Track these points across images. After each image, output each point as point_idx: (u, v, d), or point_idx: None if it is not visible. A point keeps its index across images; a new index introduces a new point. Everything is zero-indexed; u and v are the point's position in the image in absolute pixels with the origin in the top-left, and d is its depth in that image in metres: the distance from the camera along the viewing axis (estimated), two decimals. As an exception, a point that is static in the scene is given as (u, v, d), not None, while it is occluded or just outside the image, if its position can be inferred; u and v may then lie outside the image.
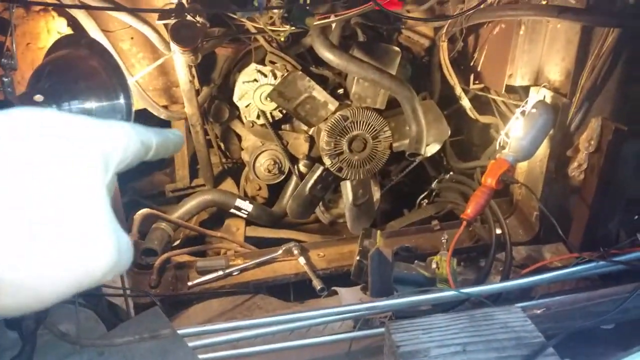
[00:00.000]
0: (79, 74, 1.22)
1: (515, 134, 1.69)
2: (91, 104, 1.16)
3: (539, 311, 1.28)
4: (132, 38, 1.80)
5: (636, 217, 1.57)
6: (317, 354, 1.39)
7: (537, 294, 1.46)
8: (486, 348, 1.11)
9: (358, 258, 1.59)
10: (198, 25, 1.56)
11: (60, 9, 1.55)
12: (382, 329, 1.37)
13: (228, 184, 2.07)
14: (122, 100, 1.13)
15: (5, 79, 1.11)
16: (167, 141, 0.48)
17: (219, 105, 1.99)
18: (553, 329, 1.17)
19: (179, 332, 1.15)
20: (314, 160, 1.92)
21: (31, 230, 0.34)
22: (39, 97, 1.14)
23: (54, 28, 1.52)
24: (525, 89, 1.84)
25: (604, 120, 1.60)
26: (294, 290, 1.77)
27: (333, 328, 1.46)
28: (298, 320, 1.35)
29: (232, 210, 1.94)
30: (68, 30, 1.56)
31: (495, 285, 1.39)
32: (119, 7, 1.58)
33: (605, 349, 0.95)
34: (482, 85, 2.00)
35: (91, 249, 0.37)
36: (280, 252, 1.79)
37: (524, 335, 1.15)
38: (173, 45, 1.59)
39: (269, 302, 1.68)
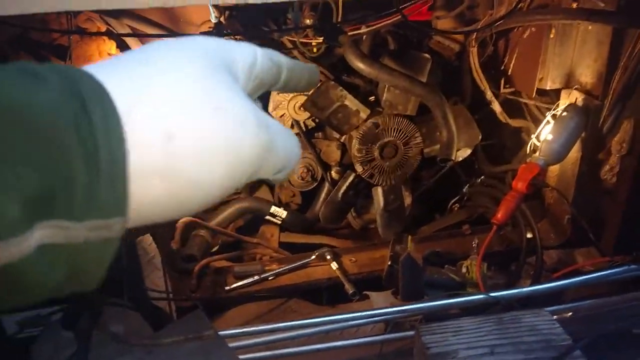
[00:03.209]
0: None
1: (547, 137, 1.69)
2: None
3: (568, 315, 1.29)
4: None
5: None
6: (349, 355, 1.44)
7: (568, 298, 1.47)
8: (514, 350, 1.14)
9: (389, 263, 1.63)
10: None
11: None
12: (412, 332, 1.41)
13: (263, 192, 2.14)
14: None
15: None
16: (300, 68, 0.46)
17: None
18: (582, 333, 1.18)
19: (220, 333, 1.22)
20: (346, 167, 1.97)
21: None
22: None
23: (105, 50, 1.63)
24: (557, 92, 1.83)
25: (636, 121, 1.59)
26: (327, 295, 1.83)
27: (365, 331, 1.51)
28: (332, 323, 1.40)
29: (267, 217, 2.01)
30: (117, 52, 1.68)
31: (524, 289, 1.40)
32: (163, 34, 1.68)
33: (635, 354, 0.96)
34: (512, 89, 2.01)
35: (233, 124, 0.34)
36: (313, 257, 1.85)
37: (551, 338, 1.16)
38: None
39: (303, 305, 1.75)
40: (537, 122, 1.90)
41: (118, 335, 1.17)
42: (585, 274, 1.41)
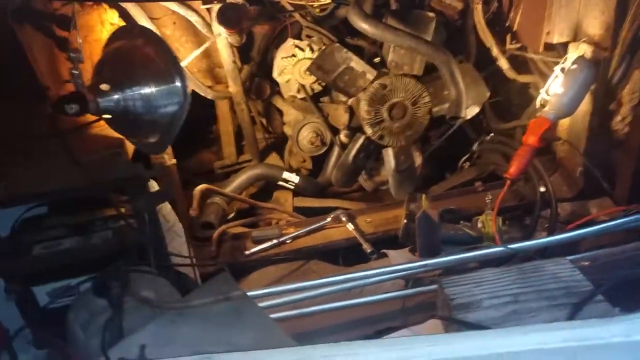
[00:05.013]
0: (136, 62, 1.31)
1: (556, 91, 1.69)
2: (150, 89, 1.25)
3: (586, 263, 1.32)
4: (174, 23, 1.88)
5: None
6: (373, 311, 1.48)
7: (583, 248, 1.50)
8: (537, 297, 1.17)
9: (405, 221, 1.65)
10: (241, 6, 1.62)
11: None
12: (433, 286, 1.45)
13: (273, 158, 2.15)
14: (178, 83, 1.21)
15: (75, 72, 1.20)
16: None
17: (259, 82, 2.05)
18: (602, 279, 1.21)
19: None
20: (355, 130, 1.97)
21: None
22: (105, 86, 1.24)
23: (107, 20, 1.61)
24: (564, 46, 1.82)
25: None
26: (344, 256, 1.86)
27: (385, 287, 1.54)
28: (354, 280, 1.43)
29: (280, 183, 2.03)
30: (119, 21, 1.65)
31: (542, 240, 1.43)
32: (163, -1, 1.66)
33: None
34: (519, 45, 1.99)
35: None
36: (329, 219, 1.88)
37: (573, 285, 1.20)
38: (218, 28, 1.65)
39: (323, 266, 1.78)
40: (545, 77, 1.89)
41: (149, 300, 1.19)
42: (600, 224, 1.44)
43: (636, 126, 1.55)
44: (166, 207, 1.47)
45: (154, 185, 1.32)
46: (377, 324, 1.43)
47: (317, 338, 1.42)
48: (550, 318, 1.11)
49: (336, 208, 1.98)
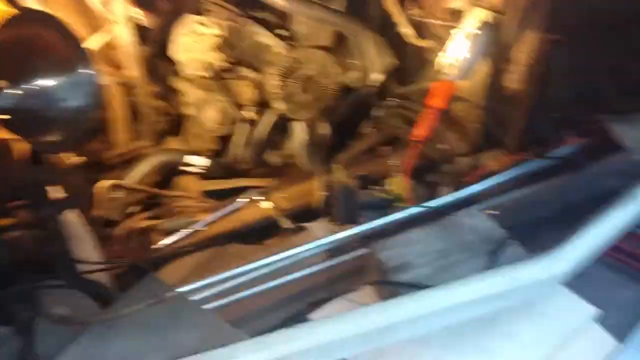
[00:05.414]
0: (34, 52, 1.13)
1: (457, 54, 1.79)
2: (53, 81, 1.09)
3: (494, 211, 1.43)
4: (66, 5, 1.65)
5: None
6: (302, 286, 1.48)
7: (486, 197, 1.62)
8: (461, 249, 1.26)
9: (325, 193, 1.66)
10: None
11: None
12: (358, 253, 1.48)
13: (175, 142, 2.02)
14: (84, 71, 1.06)
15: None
16: None
17: (158, 63, 1.90)
18: (512, 224, 1.33)
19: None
20: (263, 105, 1.92)
21: None
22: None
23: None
24: (463, 11, 1.91)
25: (538, 33, 1.73)
26: (263, 235, 1.83)
27: (309, 261, 1.54)
28: (282, 261, 1.42)
29: (185, 168, 1.91)
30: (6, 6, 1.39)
31: (452, 196, 1.53)
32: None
33: (557, 236, 1.10)
34: (419, 10, 2.05)
35: None
36: (242, 200, 1.82)
37: (490, 233, 1.30)
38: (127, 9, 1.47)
39: (243, 249, 1.73)
40: (444, 41, 1.97)
41: (69, 317, 1.07)
42: (499, 173, 1.57)
43: (527, 84, 1.69)
44: (69, 213, 1.31)
45: (56, 190, 1.17)
46: (309, 297, 1.43)
47: (252, 322, 1.39)
48: (476, 267, 1.20)
49: (247, 188, 1.93)
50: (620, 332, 1.12)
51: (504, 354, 1.04)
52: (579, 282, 1.10)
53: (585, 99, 1.76)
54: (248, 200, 1.81)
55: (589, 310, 1.09)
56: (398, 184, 1.74)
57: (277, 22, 1.92)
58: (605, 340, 1.08)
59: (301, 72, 1.83)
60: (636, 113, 1.64)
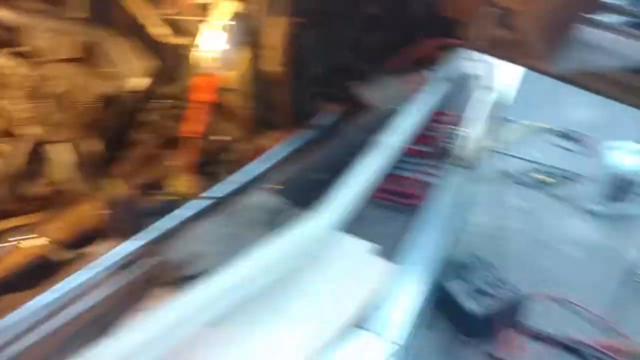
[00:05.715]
0: None
1: (212, 47, 1.79)
2: None
3: (276, 186, 1.50)
4: None
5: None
6: (92, 314, 1.33)
7: (268, 175, 1.68)
8: (248, 229, 1.28)
9: (104, 211, 1.53)
10: None
11: None
12: (148, 262, 1.39)
13: None
14: None
15: None
16: None
17: None
18: (290, 195, 1.40)
19: None
20: (10, 134, 1.66)
21: None
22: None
23: None
24: (211, 4, 1.91)
25: (286, 17, 1.83)
26: (40, 275, 1.59)
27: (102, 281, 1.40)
28: (58, 295, 1.26)
29: None
30: None
31: (234, 182, 1.55)
32: None
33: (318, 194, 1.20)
34: (169, 9, 1.99)
35: None
36: (7, 244, 1.56)
37: (272, 207, 1.35)
38: None
39: (17, 297, 1.48)
40: (195, 36, 1.96)
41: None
42: (275, 150, 1.64)
43: (284, 65, 1.79)
44: None
45: None
46: (106, 319, 1.30)
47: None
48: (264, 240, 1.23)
49: (13, 227, 1.65)
50: (397, 257, 1.27)
51: (302, 309, 1.08)
52: (355, 224, 1.21)
53: (336, 70, 1.95)
54: (9, 244, 1.56)
55: (366, 246, 1.20)
56: (182, 183, 1.69)
57: (9, 39, 1.68)
58: (385, 267, 1.19)
59: (50, 90, 1.64)
60: (375, 75, 1.88)
